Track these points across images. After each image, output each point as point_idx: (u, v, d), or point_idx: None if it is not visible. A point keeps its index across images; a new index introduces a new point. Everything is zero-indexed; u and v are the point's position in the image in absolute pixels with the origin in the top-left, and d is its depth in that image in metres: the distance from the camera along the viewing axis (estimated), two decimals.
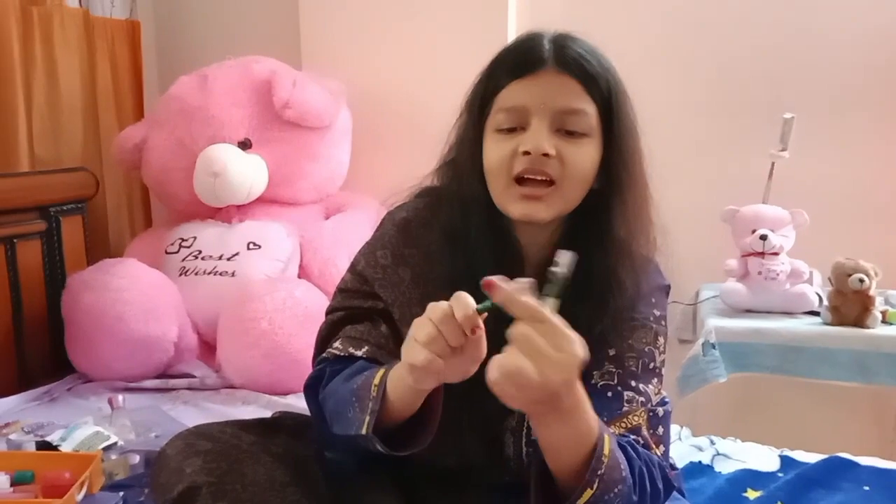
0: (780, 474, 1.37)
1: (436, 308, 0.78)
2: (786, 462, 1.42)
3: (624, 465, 0.83)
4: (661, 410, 0.96)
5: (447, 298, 0.82)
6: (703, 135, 2.23)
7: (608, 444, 0.81)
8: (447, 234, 0.99)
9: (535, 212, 0.92)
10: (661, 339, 1.01)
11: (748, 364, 1.85)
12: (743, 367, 1.86)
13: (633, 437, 0.91)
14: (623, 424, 0.92)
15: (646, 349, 0.98)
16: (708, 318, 1.92)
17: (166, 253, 2.11)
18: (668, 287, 1.06)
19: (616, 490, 0.81)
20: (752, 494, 1.30)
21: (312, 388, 1.03)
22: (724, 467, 1.41)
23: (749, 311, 1.94)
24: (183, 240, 2.11)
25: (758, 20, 2.14)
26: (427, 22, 2.31)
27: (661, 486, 0.90)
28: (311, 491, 0.97)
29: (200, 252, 2.07)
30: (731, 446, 1.50)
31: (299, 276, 2.07)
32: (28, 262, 1.95)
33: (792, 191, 2.00)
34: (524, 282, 0.76)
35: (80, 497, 1.18)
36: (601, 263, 0.95)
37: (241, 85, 2.19)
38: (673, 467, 1.11)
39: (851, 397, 1.89)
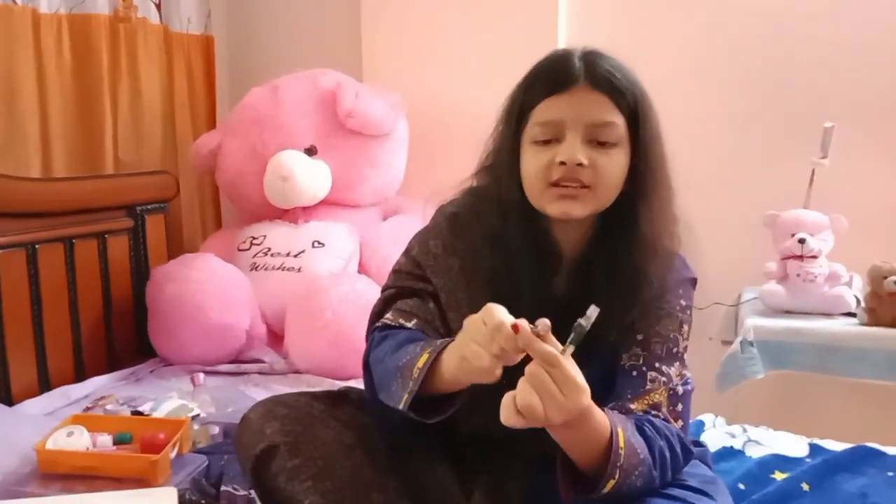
0: (807, 460, 1.44)
1: (503, 328, 0.85)
2: (814, 449, 1.49)
3: (641, 447, 0.93)
4: (680, 389, 1.05)
5: (490, 295, 0.95)
6: (746, 144, 2.30)
7: (622, 437, 0.90)
8: (488, 235, 1.08)
9: (572, 209, 1.01)
10: (686, 327, 1.09)
11: (785, 362, 1.92)
12: (780, 365, 1.93)
13: (653, 412, 1.01)
14: (645, 401, 1.02)
15: (671, 335, 1.07)
16: (747, 318, 2.00)
17: (238, 250, 2.28)
18: (695, 280, 1.14)
19: (637, 472, 0.91)
20: (778, 476, 1.38)
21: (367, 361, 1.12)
22: (755, 452, 1.48)
23: (788, 313, 2.00)
24: (254, 238, 2.28)
25: (799, 33, 2.21)
26: (480, 38, 2.42)
27: (680, 453, 1.00)
28: (372, 453, 1.09)
29: (270, 249, 2.23)
30: (763, 434, 1.57)
31: (359, 273, 2.21)
32: (117, 256, 2.12)
33: (832, 197, 2.06)
34: (544, 324, 0.85)
35: (172, 455, 1.34)
36: (629, 259, 1.04)
37: (308, 96, 2.34)
38: (698, 443, 1.21)
39: (886, 395, 1.93)
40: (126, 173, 2.30)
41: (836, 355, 1.86)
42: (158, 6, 2.50)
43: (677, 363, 1.07)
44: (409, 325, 1.08)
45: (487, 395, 1.06)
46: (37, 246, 1.89)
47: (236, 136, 2.39)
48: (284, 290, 2.10)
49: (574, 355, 0.95)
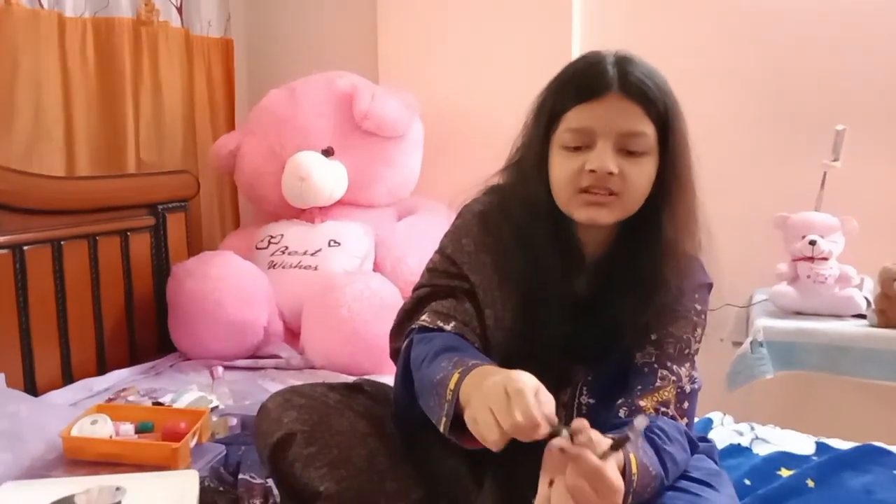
0: (814, 457, 1.46)
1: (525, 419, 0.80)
2: (821, 448, 1.50)
3: (653, 463, 0.94)
4: (688, 388, 1.08)
5: (519, 294, 0.99)
6: (758, 146, 2.32)
7: (635, 462, 0.90)
8: (516, 234, 1.08)
9: (599, 216, 1.02)
10: (699, 331, 1.12)
11: (795, 362, 1.93)
12: (790, 365, 1.94)
13: (662, 409, 1.04)
14: (655, 398, 1.05)
15: (684, 337, 1.09)
16: (758, 318, 2.01)
17: (256, 248, 2.32)
18: (711, 285, 1.15)
19: (649, 488, 0.94)
20: (784, 472, 1.40)
21: (401, 355, 1.10)
22: (762, 450, 1.50)
23: (798, 314, 2.02)
24: (272, 237, 2.33)
25: (812, 36, 2.23)
26: (494, 40, 2.45)
27: (687, 447, 1.03)
28: (386, 442, 1.12)
29: (287, 248, 2.28)
30: (770, 432, 1.59)
31: (374, 271, 2.24)
32: (138, 253, 2.18)
33: (843, 199, 2.07)
34: (581, 429, 0.82)
35: (192, 444, 1.38)
36: (650, 263, 1.06)
37: (325, 98, 2.38)
38: (705, 439, 1.23)
39: (895, 396, 1.95)
40: (148, 173, 2.35)
41: (846, 356, 1.88)
42: (180, 10, 2.55)
43: (688, 364, 1.10)
44: (447, 327, 1.07)
45: None
46: (62, 242, 1.95)
47: (255, 138, 2.44)
48: (301, 288, 2.15)
49: (588, 358, 1.00)
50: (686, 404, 1.08)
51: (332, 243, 2.26)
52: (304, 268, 2.22)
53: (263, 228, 2.39)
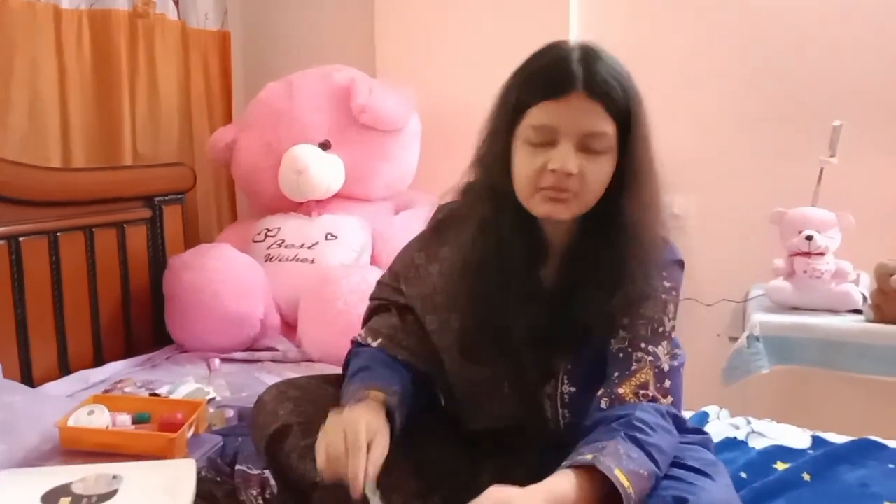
0: (810, 451, 1.46)
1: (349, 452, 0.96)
2: (817, 441, 1.50)
3: (643, 467, 0.94)
4: (667, 367, 1.08)
5: (478, 285, 1.05)
6: (755, 142, 2.33)
7: (622, 476, 0.91)
8: (480, 225, 1.10)
9: (558, 212, 1.04)
10: (671, 307, 1.11)
11: (791, 357, 1.94)
12: (786, 360, 1.95)
13: (641, 392, 1.04)
14: (633, 382, 1.05)
15: (655, 316, 1.09)
16: (754, 313, 2.02)
17: (253, 241, 2.32)
18: (681, 262, 1.15)
19: (649, 488, 0.95)
20: (780, 466, 1.40)
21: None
22: (758, 444, 1.50)
23: (795, 309, 2.02)
24: (269, 230, 2.33)
25: (809, 32, 2.23)
26: (492, 34, 2.45)
27: (673, 429, 1.04)
28: None
29: (284, 241, 2.28)
30: (766, 426, 1.59)
31: (371, 265, 2.25)
32: (135, 245, 2.17)
33: (840, 195, 2.07)
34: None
35: (189, 434, 1.38)
36: (614, 252, 1.06)
37: (322, 91, 2.38)
38: (700, 431, 1.23)
39: (890, 390, 1.95)
40: (145, 165, 2.35)
41: (842, 351, 1.88)
42: (176, 2, 2.54)
43: (664, 342, 1.09)
44: (374, 344, 1.19)
45: (491, 394, 1.11)
46: (58, 234, 1.94)
47: (252, 131, 2.44)
48: (298, 281, 2.15)
49: (564, 348, 1.06)
50: (667, 382, 1.07)
51: (328, 237, 2.26)
52: (301, 261, 2.22)
53: (260, 221, 2.39)
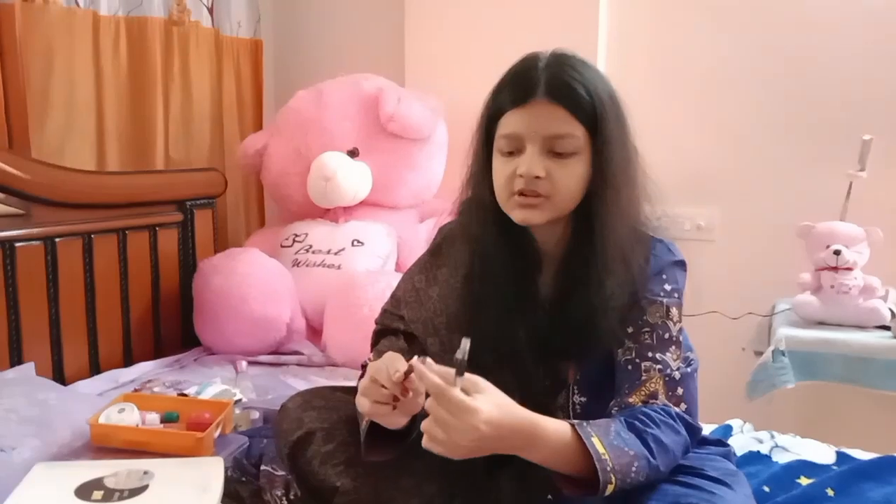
0: (834, 467, 1.45)
1: (379, 371, 0.98)
2: (841, 457, 1.49)
3: (629, 445, 0.95)
4: (678, 374, 1.07)
5: (474, 302, 1.07)
6: (783, 155, 2.32)
7: (599, 444, 0.94)
8: (473, 240, 1.14)
9: (531, 217, 1.05)
10: (675, 311, 1.10)
11: (817, 372, 1.92)
12: (811, 375, 1.93)
13: (651, 401, 1.04)
14: (642, 392, 1.05)
15: (659, 322, 1.08)
16: (780, 327, 2.01)
17: (281, 247, 2.35)
18: (681, 262, 1.14)
19: (634, 469, 0.95)
20: (804, 481, 1.38)
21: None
22: (781, 458, 1.49)
23: (821, 324, 2.00)
24: (296, 235, 2.36)
25: (840, 44, 2.22)
26: (519, 46, 2.44)
27: (684, 432, 1.03)
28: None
29: (311, 247, 2.31)
30: (790, 441, 1.58)
31: (396, 271, 2.27)
32: (166, 248, 2.22)
33: (868, 210, 2.06)
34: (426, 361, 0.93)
35: (216, 434, 1.41)
36: (601, 255, 1.06)
37: (351, 100, 2.41)
38: (722, 443, 1.23)
39: None
40: (177, 169, 2.40)
41: (869, 367, 1.86)
42: (211, 10, 2.59)
43: (672, 347, 1.08)
44: None
45: None
46: (93, 236, 1.99)
47: (282, 138, 2.48)
48: (324, 286, 2.17)
49: (569, 356, 1.06)
50: (679, 389, 1.07)
51: (355, 243, 2.29)
52: (328, 266, 2.25)
53: (288, 227, 2.42)
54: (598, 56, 2.38)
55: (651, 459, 0.97)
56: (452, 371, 0.91)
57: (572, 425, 0.96)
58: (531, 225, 1.08)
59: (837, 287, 1.97)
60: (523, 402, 1.12)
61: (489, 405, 0.90)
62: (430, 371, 0.91)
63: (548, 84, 1.04)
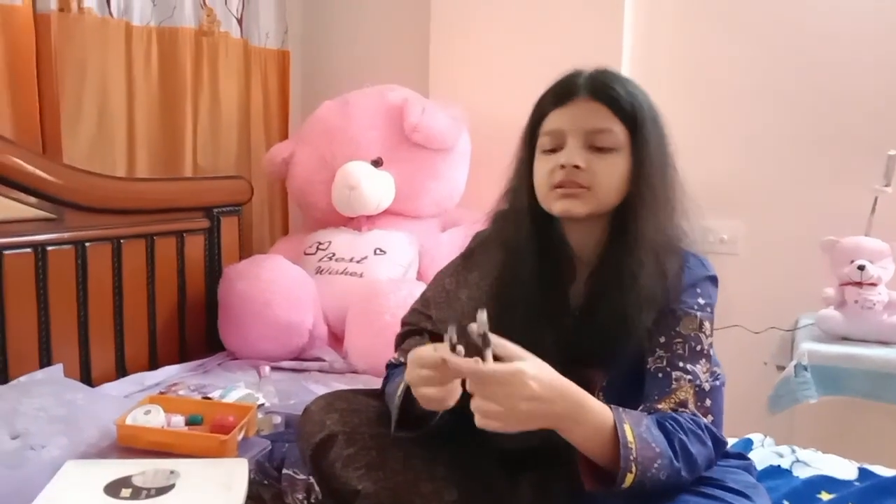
0: (856, 483, 1.44)
1: (423, 359, 0.99)
2: (863, 473, 1.47)
3: (657, 442, 0.96)
4: (707, 386, 1.07)
5: (504, 306, 1.07)
6: (808, 169, 2.30)
7: (631, 432, 0.95)
8: (507, 246, 1.15)
9: (573, 208, 1.08)
10: (707, 325, 1.11)
11: (839, 387, 1.90)
12: (834, 391, 1.91)
13: (680, 409, 1.05)
14: (672, 400, 1.05)
15: (692, 334, 1.09)
16: (802, 342, 1.99)
17: (305, 254, 2.38)
18: (714, 277, 1.15)
19: (656, 465, 0.95)
20: (825, 496, 1.38)
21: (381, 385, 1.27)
22: (802, 473, 1.48)
23: (844, 339, 1.99)
24: (320, 243, 2.39)
25: (866, 58, 2.21)
26: (544, 57, 2.47)
27: (710, 444, 1.03)
28: (423, 445, 1.16)
29: (334, 255, 2.33)
30: (811, 456, 1.56)
31: (417, 280, 2.29)
32: (193, 253, 2.25)
33: (894, 225, 2.03)
34: (480, 322, 0.93)
35: (240, 437, 1.43)
36: (635, 262, 1.07)
37: (376, 110, 2.44)
38: (743, 456, 1.23)
39: None
40: (204, 177, 2.44)
41: (892, 383, 1.84)
42: (240, 21, 2.64)
43: (703, 360, 1.09)
44: None
45: None
46: (122, 241, 2.03)
47: (307, 147, 2.51)
48: (346, 294, 2.20)
49: (597, 363, 1.07)
50: (708, 401, 1.07)
51: (377, 251, 2.31)
52: (350, 274, 2.27)
53: (312, 235, 2.45)
54: (622, 68, 2.38)
55: (675, 461, 0.97)
56: (478, 360, 0.91)
57: (611, 407, 0.98)
58: (572, 217, 1.10)
59: (861, 302, 1.95)
60: None
61: (531, 365, 0.92)
62: (457, 359, 0.93)
63: (590, 85, 1.10)
